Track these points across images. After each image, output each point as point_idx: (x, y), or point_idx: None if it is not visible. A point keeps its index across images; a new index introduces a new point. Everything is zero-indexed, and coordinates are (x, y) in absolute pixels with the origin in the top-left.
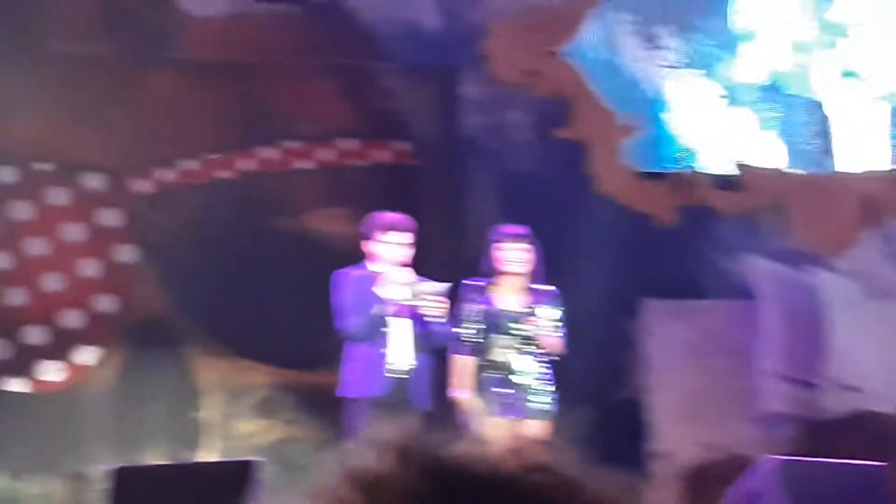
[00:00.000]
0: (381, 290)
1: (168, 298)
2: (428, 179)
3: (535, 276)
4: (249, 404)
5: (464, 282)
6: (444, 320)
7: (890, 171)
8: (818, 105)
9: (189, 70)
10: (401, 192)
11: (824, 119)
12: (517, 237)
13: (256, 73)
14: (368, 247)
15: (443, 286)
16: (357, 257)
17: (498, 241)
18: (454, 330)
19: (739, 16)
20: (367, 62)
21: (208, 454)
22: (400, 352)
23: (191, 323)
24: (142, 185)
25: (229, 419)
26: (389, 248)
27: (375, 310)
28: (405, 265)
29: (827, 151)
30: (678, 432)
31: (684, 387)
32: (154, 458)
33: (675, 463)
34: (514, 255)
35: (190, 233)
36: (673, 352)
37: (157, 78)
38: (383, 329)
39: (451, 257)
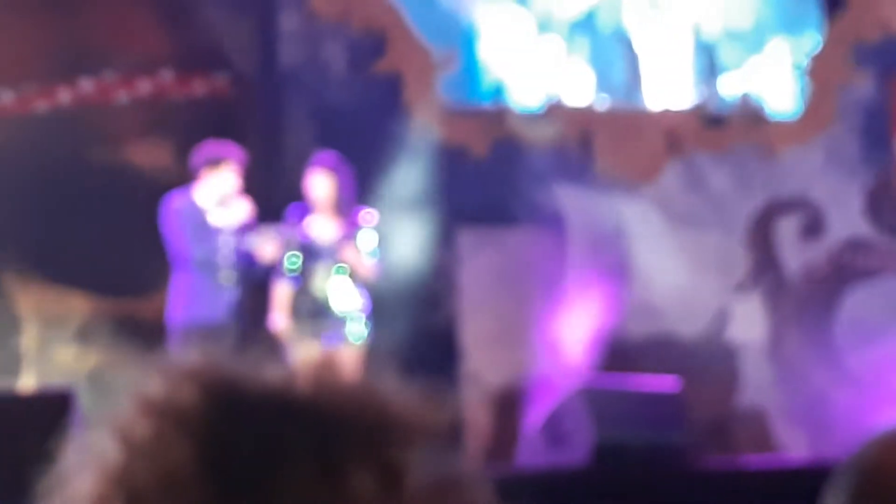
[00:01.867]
0: (214, 221)
1: None
2: (247, 111)
3: (351, 204)
4: (68, 331)
5: (289, 209)
6: (270, 257)
7: (694, 106)
8: (627, 39)
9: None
10: (220, 123)
11: (633, 53)
12: (325, 165)
13: (74, 3)
14: (198, 176)
15: (277, 230)
16: (176, 188)
17: (309, 170)
18: (275, 259)
19: None
20: None
21: (26, 382)
22: (226, 281)
23: (8, 251)
24: None
25: (47, 346)
26: (219, 178)
27: (207, 240)
28: (233, 195)
29: (634, 85)
30: (489, 356)
31: (495, 312)
32: None
33: (485, 385)
34: (322, 183)
35: (7, 163)
36: (485, 278)
37: None
38: (214, 259)
39: (268, 189)
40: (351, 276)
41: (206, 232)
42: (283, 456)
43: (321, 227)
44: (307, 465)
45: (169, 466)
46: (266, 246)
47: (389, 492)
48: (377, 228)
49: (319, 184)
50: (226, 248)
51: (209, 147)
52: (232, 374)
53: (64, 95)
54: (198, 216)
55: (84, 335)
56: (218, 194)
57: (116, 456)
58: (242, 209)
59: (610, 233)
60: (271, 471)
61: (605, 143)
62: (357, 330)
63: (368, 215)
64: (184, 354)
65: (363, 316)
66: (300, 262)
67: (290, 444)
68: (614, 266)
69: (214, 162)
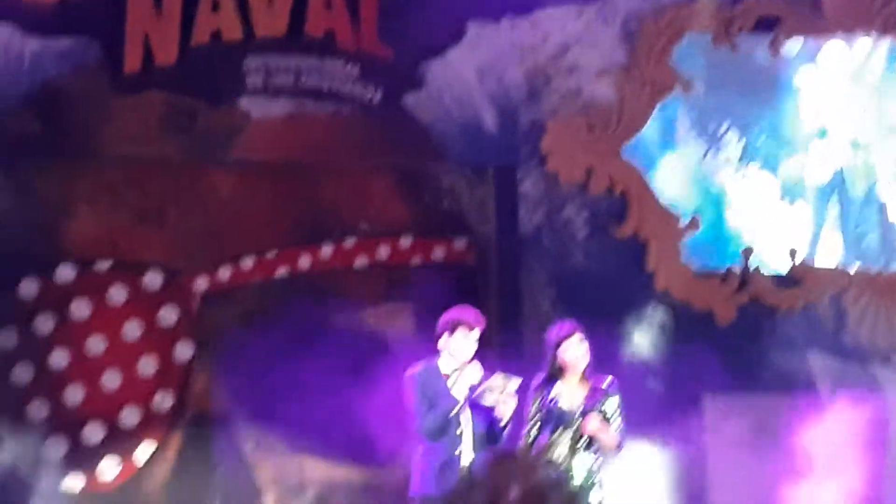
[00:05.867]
0: (454, 387)
1: (225, 395)
2: (486, 277)
3: (591, 372)
4: (305, 500)
5: (533, 380)
6: (509, 415)
7: None
8: (877, 203)
9: (248, 170)
10: (459, 289)
11: (886, 218)
12: (577, 333)
13: (315, 173)
14: (440, 343)
15: (515, 382)
16: (417, 354)
17: (560, 338)
18: (510, 410)
19: (804, 114)
20: (425, 161)
21: None
22: (464, 448)
23: (247, 419)
24: (200, 283)
25: None
26: (459, 344)
27: (450, 408)
28: (473, 360)
29: (885, 248)
30: None
31: (746, 482)
32: None
33: None
34: (576, 352)
35: (248, 329)
36: (734, 448)
37: (217, 178)
38: (457, 428)
39: (507, 354)
40: (594, 443)
41: (443, 399)
42: None
43: (567, 394)
44: None
45: None
46: (499, 397)
47: None
48: (620, 395)
49: (577, 349)
50: (462, 414)
51: (452, 312)
52: None
53: (304, 261)
54: (436, 383)
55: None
56: (459, 359)
57: None
58: (476, 374)
59: (867, 402)
60: None
61: (857, 307)
62: (595, 499)
63: (613, 383)
64: None
65: (601, 487)
66: (542, 429)
67: None
68: (872, 436)
69: (457, 327)
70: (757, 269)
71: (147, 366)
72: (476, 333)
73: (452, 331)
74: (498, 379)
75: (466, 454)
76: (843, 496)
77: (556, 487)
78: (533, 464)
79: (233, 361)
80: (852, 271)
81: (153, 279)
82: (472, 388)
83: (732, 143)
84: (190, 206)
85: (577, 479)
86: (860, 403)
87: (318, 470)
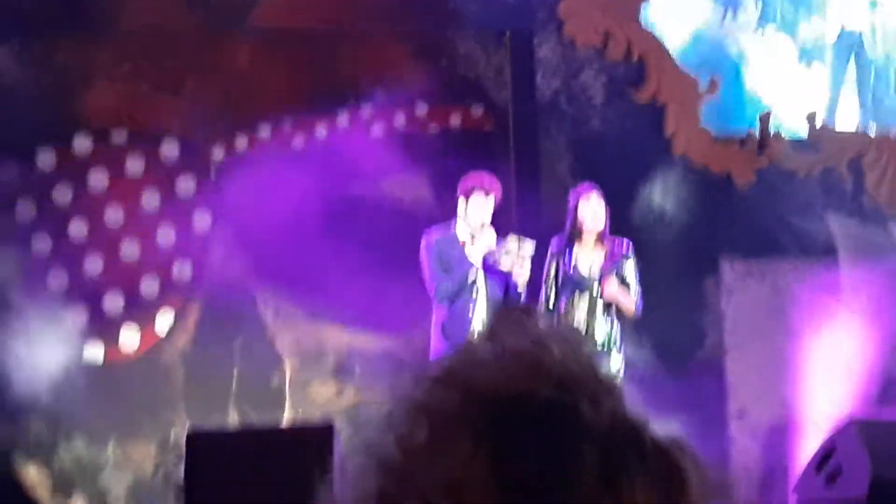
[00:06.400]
0: (469, 250)
1: (243, 263)
2: (503, 143)
3: (608, 236)
4: (325, 368)
5: (553, 240)
6: (525, 279)
7: None
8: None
9: (264, 37)
10: (476, 156)
11: None
12: (595, 194)
13: (331, 40)
14: (459, 206)
15: (529, 244)
16: (433, 221)
17: (577, 199)
18: (525, 273)
19: None
20: (441, 27)
21: (284, 417)
22: (479, 312)
23: (266, 288)
24: (217, 152)
25: (305, 383)
26: (474, 208)
27: (467, 272)
28: (488, 225)
29: None
30: (756, 391)
31: (763, 346)
32: (231, 422)
33: (754, 423)
34: (594, 212)
35: (265, 198)
36: (751, 311)
37: (233, 46)
38: (473, 291)
39: (525, 220)
40: (612, 307)
41: (460, 264)
42: (569, 467)
43: (585, 257)
44: (592, 477)
45: (452, 468)
46: (515, 259)
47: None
48: (636, 257)
49: (595, 208)
50: (479, 279)
51: (470, 177)
52: (494, 377)
53: (320, 130)
54: (452, 248)
55: (341, 371)
56: (474, 224)
57: (398, 458)
58: (491, 239)
59: (883, 263)
60: (558, 481)
61: (877, 171)
62: (615, 363)
63: (630, 247)
64: (441, 359)
65: (621, 348)
66: (561, 292)
67: (575, 455)
68: (888, 297)
69: (472, 191)
70: (776, 132)
71: (166, 236)
72: (492, 199)
73: (468, 195)
74: (513, 241)
75: (482, 318)
76: (862, 359)
77: (558, 338)
78: (536, 315)
79: (251, 230)
80: (871, 134)
81: (170, 149)
82: (489, 253)
83: (750, 5)
84: (206, 75)
85: (597, 339)
86: (878, 266)
87: (338, 338)
